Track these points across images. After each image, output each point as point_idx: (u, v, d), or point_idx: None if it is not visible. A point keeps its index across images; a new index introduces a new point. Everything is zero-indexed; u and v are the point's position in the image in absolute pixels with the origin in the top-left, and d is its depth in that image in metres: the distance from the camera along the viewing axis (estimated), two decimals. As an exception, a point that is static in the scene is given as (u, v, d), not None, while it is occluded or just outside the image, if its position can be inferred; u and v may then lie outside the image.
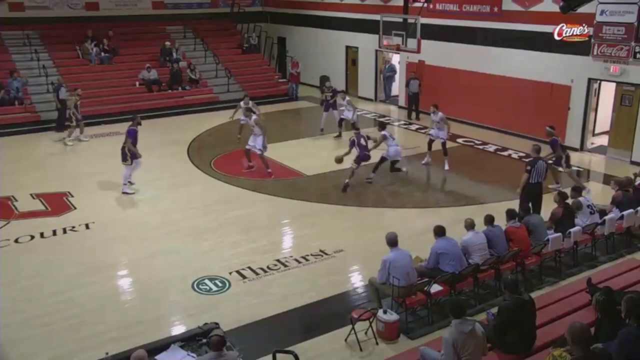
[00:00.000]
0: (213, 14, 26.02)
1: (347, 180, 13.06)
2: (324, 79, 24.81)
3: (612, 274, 8.25)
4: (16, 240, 10.54)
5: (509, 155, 15.57)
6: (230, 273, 9.24)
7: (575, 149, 15.85)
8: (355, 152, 13.22)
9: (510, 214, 8.90)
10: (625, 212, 9.81)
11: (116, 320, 7.99)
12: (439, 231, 8.13)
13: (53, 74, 20.17)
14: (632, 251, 9.95)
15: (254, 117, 13.83)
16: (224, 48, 24.52)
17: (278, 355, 6.44)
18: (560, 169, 12.65)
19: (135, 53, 22.49)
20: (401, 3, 19.44)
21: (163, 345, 6.16)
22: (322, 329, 7.73)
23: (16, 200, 12.38)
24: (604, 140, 16.08)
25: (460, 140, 17.14)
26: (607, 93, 15.90)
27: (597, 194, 11.65)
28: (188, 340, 6.28)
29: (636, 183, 11.39)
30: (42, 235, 10.77)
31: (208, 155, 15.66)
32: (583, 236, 9.44)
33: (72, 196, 12.69)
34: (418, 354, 6.15)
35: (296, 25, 25.95)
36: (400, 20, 18.33)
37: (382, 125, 13.87)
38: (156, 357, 5.94)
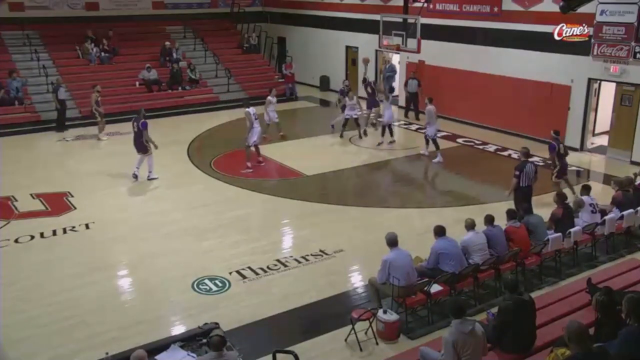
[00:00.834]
0: (213, 14, 26.03)
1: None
2: (325, 79, 24.87)
3: (612, 274, 8.25)
4: (16, 240, 10.54)
5: (509, 155, 15.57)
6: (230, 273, 9.24)
7: (575, 149, 15.84)
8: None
9: (511, 214, 8.90)
10: (625, 212, 9.80)
11: (116, 320, 7.99)
12: (439, 231, 8.13)
13: (53, 74, 20.16)
14: (632, 251, 9.94)
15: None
16: (224, 48, 24.52)
17: (278, 355, 6.44)
18: (554, 177, 11.93)
19: (135, 53, 22.49)
20: (401, 3, 19.44)
21: (163, 345, 6.16)
22: (322, 329, 7.73)
23: (16, 200, 12.38)
24: (604, 140, 16.07)
25: (460, 140, 17.15)
26: (607, 93, 15.90)
27: (597, 194, 11.63)
28: (188, 340, 6.28)
29: (636, 183, 11.39)
30: (42, 235, 10.77)
31: (208, 155, 15.66)
32: (583, 236, 9.44)
33: (72, 196, 12.69)
34: (418, 354, 6.15)
35: (296, 25, 25.95)
36: (400, 20, 18.32)
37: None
38: (156, 357, 5.94)
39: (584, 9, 13.38)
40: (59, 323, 7.92)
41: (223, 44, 24.84)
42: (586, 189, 10.00)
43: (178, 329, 7.67)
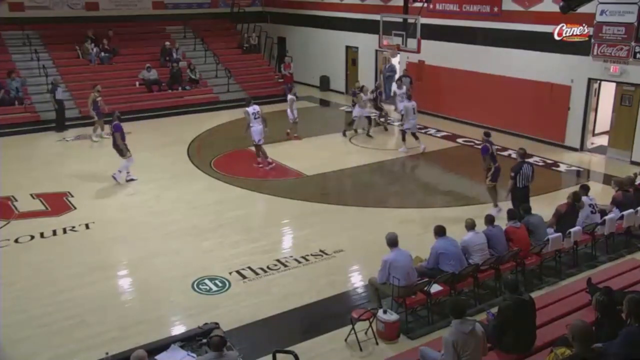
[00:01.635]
0: (213, 14, 26.03)
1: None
2: (325, 79, 24.87)
3: (612, 274, 8.24)
4: (16, 240, 10.54)
5: (509, 155, 15.54)
6: (230, 273, 9.24)
7: (575, 149, 15.87)
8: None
9: (511, 214, 8.90)
10: (625, 212, 9.80)
11: (116, 320, 7.99)
12: (439, 231, 8.14)
13: (53, 74, 20.19)
14: (632, 251, 9.95)
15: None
16: (224, 48, 24.52)
17: (278, 355, 6.44)
18: (488, 180, 11.50)
19: (135, 53, 22.49)
20: (401, 3, 19.43)
21: (163, 345, 6.16)
22: (322, 329, 7.73)
23: (16, 200, 12.38)
24: (604, 140, 16.07)
25: (460, 140, 17.14)
26: (607, 93, 15.90)
27: (597, 194, 11.64)
28: (188, 340, 6.28)
29: (636, 183, 11.40)
30: (42, 235, 10.77)
31: (208, 155, 15.66)
32: (583, 236, 9.44)
33: (72, 196, 12.69)
34: (418, 354, 6.15)
35: (296, 25, 25.95)
36: (400, 20, 18.32)
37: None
38: (156, 357, 5.94)
39: (584, 9, 13.40)
40: (59, 323, 7.92)
41: (223, 44, 24.85)
42: (584, 189, 10.00)
43: (178, 329, 7.67)
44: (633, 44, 14.10)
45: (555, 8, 14.25)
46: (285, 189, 13.26)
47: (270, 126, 16.79)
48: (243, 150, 15.54)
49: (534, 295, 7.37)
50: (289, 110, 16.98)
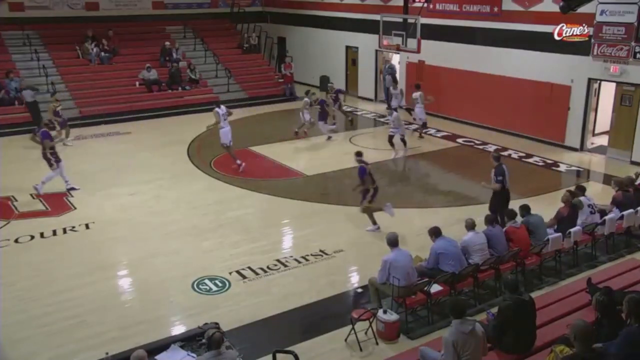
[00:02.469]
0: (213, 14, 26.03)
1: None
2: (325, 79, 24.85)
3: (612, 274, 8.24)
4: (16, 240, 10.54)
5: (509, 155, 15.57)
6: (230, 273, 9.24)
7: (575, 149, 15.87)
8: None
9: (511, 214, 8.90)
10: (625, 212, 9.80)
11: (116, 320, 7.99)
12: (435, 232, 8.15)
13: (53, 74, 20.22)
14: (632, 251, 9.94)
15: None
16: (224, 48, 24.52)
17: (278, 355, 6.44)
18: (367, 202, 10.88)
19: (135, 53, 22.49)
20: (401, 3, 19.44)
21: (163, 345, 6.16)
22: (322, 329, 7.73)
23: (16, 200, 12.38)
24: (604, 140, 16.07)
25: (460, 140, 17.14)
26: (607, 93, 15.90)
27: (597, 194, 11.64)
28: (188, 340, 6.28)
29: (637, 183, 11.40)
30: (42, 235, 10.77)
31: (208, 155, 15.66)
32: (583, 236, 9.44)
33: (72, 196, 12.70)
34: (418, 354, 6.15)
35: (296, 25, 25.95)
36: (400, 20, 18.32)
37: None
38: (156, 357, 5.94)
39: (584, 9, 13.39)
40: (59, 323, 7.92)
41: (223, 44, 24.85)
42: (581, 190, 9.99)
43: (178, 329, 7.67)
44: (633, 44, 14.10)
45: (555, 8, 14.25)
46: (285, 189, 13.26)
47: (271, 126, 16.84)
48: (243, 150, 15.53)
49: (534, 295, 7.37)
50: (302, 113, 17.06)
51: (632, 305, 5.36)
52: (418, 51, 17.41)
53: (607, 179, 13.05)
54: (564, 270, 9.23)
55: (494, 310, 6.88)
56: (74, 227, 11.12)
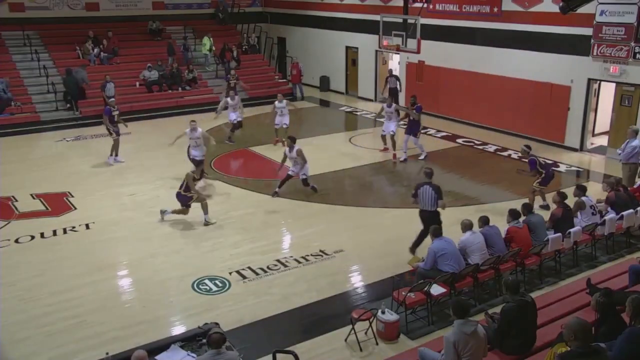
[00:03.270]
0: (213, 14, 26.03)
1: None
2: (325, 79, 24.85)
3: (612, 274, 8.24)
4: (16, 240, 10.55)
5: (509, 155, 15.58)
6: (230, 273, 9.25)
7: (575, 149, 15.88)
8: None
9: (513, 214, 8.88)
10: (625, 213, 9.81)
11: (116, 320, 7.99)
12: (435, 232, 8.15)
13: (53, 74, 20.20)
14: (632, 251, 9.95)
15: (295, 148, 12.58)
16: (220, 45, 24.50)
17: (278, 355, 6.44)
18: (535, 187, 11.47)
19: (135, 53, 22.51)
20: (401, 3, 19.42)
21: (163, 345, 6.16)
22: (322, 329, 7.73)
23: (16, 201, 12.38)
24: (603, 141, 16.08)
25: (460, 140, 17.15)
26: (607, 93, 15.90)
27: (597, 194, 11.64)
28: (188, 340, 6.29)
29: (636, 184, 11.44)
30: (42, 235, 10.77)
31: (208, 155, 15.60)
32: (583, 236, 9.44)
33: (72, 196, 12.70)
34: (417, 354, 6.14)
35: (296, 25, 25.95)
36: (400, 20, 18.31)
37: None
38: (156, 357, 5.94)
39: (583, 10, 13.41)
40: (59, 323, 7.93)
41: (223, 44, 24.81)
42: (582, 190, 10.00)
43: (178, 329, 7.67)
44: (633, 44, 14.11)
45: (555, 8, 14.27)
46: (286, 189, 13.25)
47: (271, 126, 16.81)
48: (243, 150, 15.53)
49: (533, 295, 7.38)
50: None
51: (636, 305, 5.36)
52: (418, 51, 17.39)
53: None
54: (564, 270, 9.23)
55: (492, 311, 6.90)
56: (74, 227, 11.12)
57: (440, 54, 19.03)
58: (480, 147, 16.53)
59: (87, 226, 11.16)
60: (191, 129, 13.27)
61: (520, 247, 8.56)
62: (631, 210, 9.87)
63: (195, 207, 11.96)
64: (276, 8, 26.99)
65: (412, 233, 10.22)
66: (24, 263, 9.70)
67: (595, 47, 14.85)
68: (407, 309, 7.66)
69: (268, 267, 9.45)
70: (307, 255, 9.86)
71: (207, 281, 9.02)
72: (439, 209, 9.34)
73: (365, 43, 22.20)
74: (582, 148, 15.89)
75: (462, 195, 12.86)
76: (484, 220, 8.68)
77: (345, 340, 7.41)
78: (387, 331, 7.43)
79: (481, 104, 18.01)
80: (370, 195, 13.09)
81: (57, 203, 12.32)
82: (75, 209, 12.05)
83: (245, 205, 12.34)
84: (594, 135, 16.63)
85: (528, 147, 11.95)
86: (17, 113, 18.73)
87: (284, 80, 24.41)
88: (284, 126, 16.27)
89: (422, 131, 17.31)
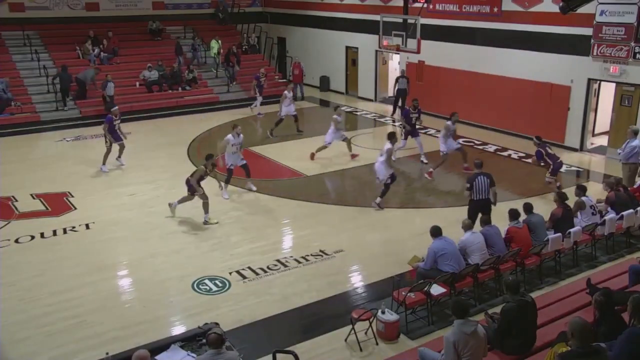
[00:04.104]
0: (213, 14, 26.03)
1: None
2: (325, 79, 24.84)
3: (612, 274, 8.24)
4: (16, 241, 10.55)
5: (509, 155, 15.58)
6: (230, 273, 9.25)
7: (575, 149, 15.88)
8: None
9: (513, 214, 8.89)
10: (625, 213, 9.82)
11: (116, 320, 7.99)
12: (435, 232, 8.15)
13: (54, 74, 20.17)
14: (632, 251, 9.95)
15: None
16: (224, 48, 24.50)
17: (278, 355, 6.43)
18: (547, 179, 12.29)
19: (135, 53, 22.52)
20: (401, 3, 19.44)
21: (163, 345, 6.16)
22: (322, 329, 7.73)
23: (16, 201, 12.38)
24: (603, 141, 16.08)
25: (460, 140, 17.09)
26: (607, 93, 15.90)
27: (597, 194, 11.65)
28: (188, 340, 6.28)
29: (636, 184, 11.44)
30: (42, 235, 10.77)
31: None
32: (583, 236, 9.45)
33: (72, 196, 12.70)
34: (417, 355, 6.14)
35: (296, 25, 25.95)
36: (400, 20, 18.32)
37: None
38: (156, 357, 5.94)
39: (583, 10, 13.40)
40: (59, 323, 7.93)
41: (223, 44, 24.82)
42: (582, 189, 10.00)
43: (178, 329, 7.68)
44: (633, 44, 14.11)
45: (555, 8, 14.26)
46: (285, 189, 13.26)
47: (271, 126, 16.79)
48: (243, 150, 15.50)
49: (534, 295, 7.39)
50: (330, 132, 14.99)
51: (636, 305, 5.36)
52: (418, 51, 17.41)
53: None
54: (564, 270, 9.23)
55: (492, 311, 6.90)
56: (74, 227, 11.12)
57: (440, 54, 19.03)
58: (480, 147, 16.53)
59: (87, 226, 11.16)
60: (236, 133, 12.67)
61: (520, 247, 8.57)
62: (631, 210, 9.88)
63: (196, 207, 11.97)
64: (276, 8, 26.99)
65: (412, 233, 10.24)
66: (24, 263, 9.70)
67: (595, 47, 14.85)
68: (407, 309, 7.66)
69: (268, 267, 9.45)
70: (307, 255, 9.86)
71: (207, 281, 9.02)
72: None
73: (365, 43, 22.20)
74: (582, 148, 15.89)
75: (462, 196, 12.83)
76: (484, 221, 8.69)
77: (345, 340, 7.41)
78: (387, 331, 7.43)
79: (481, 104, 18.01)
80: (370, 196, 13.06)
81: (57, 203, 12.32)
82: (75, 209, 12.05)
83: (245, 206, 12.34)
84: (594, 135, 16.63)
85: (538, 137, 12.28)
86: (17, 113, 18.75)
87: (284, 80, 24.38)
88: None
89: (422, 131, 17.36)
